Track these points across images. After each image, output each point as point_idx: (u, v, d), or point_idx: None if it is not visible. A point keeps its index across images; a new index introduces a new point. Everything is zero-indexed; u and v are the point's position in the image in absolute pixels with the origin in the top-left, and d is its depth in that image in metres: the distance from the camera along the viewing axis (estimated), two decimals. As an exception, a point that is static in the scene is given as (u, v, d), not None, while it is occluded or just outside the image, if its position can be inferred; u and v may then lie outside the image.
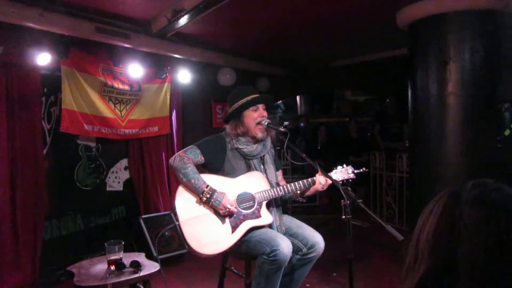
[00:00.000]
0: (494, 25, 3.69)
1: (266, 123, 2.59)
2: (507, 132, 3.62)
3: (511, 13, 3.63)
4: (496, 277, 0.75)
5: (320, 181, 2.58)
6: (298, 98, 9.75)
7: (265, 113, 2.63)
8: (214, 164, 2.62)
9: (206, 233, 2.46)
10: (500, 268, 0.75)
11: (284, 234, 2.59)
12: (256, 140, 2.65)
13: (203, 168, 2.66)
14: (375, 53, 5.92)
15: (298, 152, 2.43)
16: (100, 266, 2.67)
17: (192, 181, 2.45)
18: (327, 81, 7.27)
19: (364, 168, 2.85)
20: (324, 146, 7.18)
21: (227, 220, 2.50)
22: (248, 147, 2.63)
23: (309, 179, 2.62)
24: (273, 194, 2.56)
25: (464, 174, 3.66)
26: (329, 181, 2.55)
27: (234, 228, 2.49)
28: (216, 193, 2.44)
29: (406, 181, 5.13)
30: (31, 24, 3.32)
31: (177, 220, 2.49)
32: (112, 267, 2.57)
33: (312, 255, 2.56)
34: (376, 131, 6.56)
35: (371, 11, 3.94)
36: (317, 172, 2.55)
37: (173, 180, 4.85)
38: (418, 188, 4.11)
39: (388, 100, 6.57)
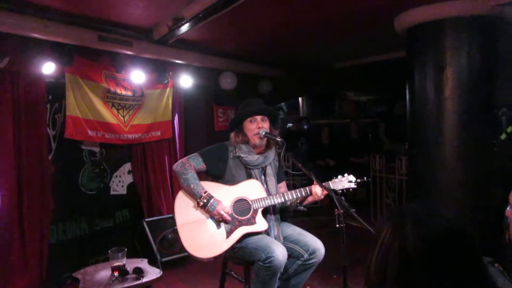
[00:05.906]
0: (491, 30, 3.72)
1: (263, 133, 2.65)
2: (503, 136, 3.66)
3: (507, 18, 3.66)
4: None
5: (317, 192, 2.63)
6: (300, 99, 9.76)
7: (263, 125, 2.68)
8: (215, 172, 2.74)
9: (201, 237, 2.58)
10: None
11: (285, 241, 2.67)
12: (258, 151, 2.74)
13: (206, 175, 2.78)
14: (378, 54, 5.87)
15: (295, 163, 2.47)
16: (104, 273, 2.77)
17: (192, 186, 2.57)
18: (330, 83, 7.26)
19: (365, 178, 2.79)
20: (326, 147, 7.20)
21: (222, 225, 2.61)
22: (250, 157, 2.71)
23: (306, 188, 2.67)
24: (269, 202, 2.63)
25: (461, 177, 3.71)
26: (325, 191, 2.59)
27: (228, 233, 2.59)
28: (212, 199, 2.56)
29: (406, 183, 5.16)
30: (36, 35, 3.40)
31: (175, 224, 2.61)
32: (116, 274, 2.66)
33: (313, 261, 2.63)
34: (381, 131, 6.56)
35: (371, 15, 3.97)
36: (312, 183, 2.60)
37: (176, 184, 4.91)
38: (417, 192, 4.15)
39: (398, 100, 6.54)
